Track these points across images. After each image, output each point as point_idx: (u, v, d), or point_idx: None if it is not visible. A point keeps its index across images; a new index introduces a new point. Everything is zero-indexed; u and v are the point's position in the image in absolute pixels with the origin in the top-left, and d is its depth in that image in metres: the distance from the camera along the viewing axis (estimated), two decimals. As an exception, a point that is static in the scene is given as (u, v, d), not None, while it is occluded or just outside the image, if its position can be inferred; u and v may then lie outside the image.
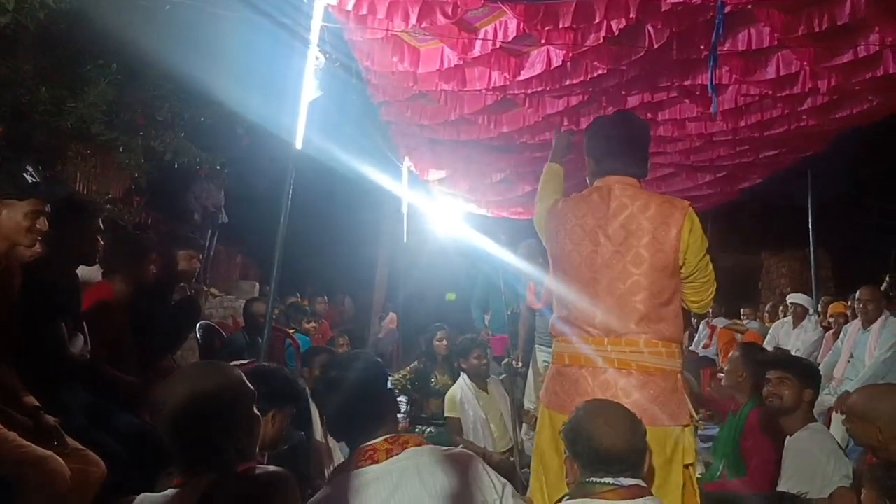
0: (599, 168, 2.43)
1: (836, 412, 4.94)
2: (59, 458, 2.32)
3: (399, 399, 6.38)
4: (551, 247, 2.38)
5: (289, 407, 2.71)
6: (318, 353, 5.05)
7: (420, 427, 5.50)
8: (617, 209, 2.30)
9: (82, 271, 3.41)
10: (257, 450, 2.59)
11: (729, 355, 4.55)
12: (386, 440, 1.96)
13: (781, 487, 2.99)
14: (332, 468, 3.99)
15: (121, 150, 6.38)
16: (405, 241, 8.85)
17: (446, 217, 9.30)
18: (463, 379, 5.18)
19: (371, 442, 1.96)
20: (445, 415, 5.18)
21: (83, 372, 3.10)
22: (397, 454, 1.91)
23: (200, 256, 4.54)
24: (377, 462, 1.91)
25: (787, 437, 3.24)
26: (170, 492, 1.69)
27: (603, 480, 1.88)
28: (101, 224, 3.27)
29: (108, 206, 6.31)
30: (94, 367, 3.21)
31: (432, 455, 1.93)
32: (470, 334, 5.80)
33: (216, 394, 1.71)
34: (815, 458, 3.05)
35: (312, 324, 7.09)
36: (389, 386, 2.38)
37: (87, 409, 2.96)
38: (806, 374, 3.31)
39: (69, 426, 2.60)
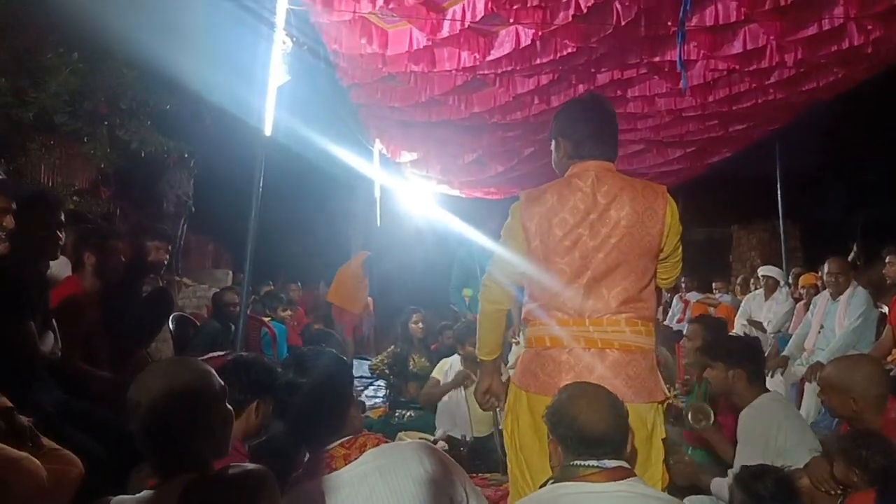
0: (577, 151, 2.42)
1: (809, 382, 5.04)
2: (34, 458, 2.28)
3: (378, 383, 6.39)
4: (538, 235, 2.35)
5: (270, 396, 2.70)
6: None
7: (400, 411, 5.50)
8: (605, 195, 2.32)
9: (51, 267, 3.34)
10: (240, 440, 2.60)
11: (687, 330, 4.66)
12: (342, 445, 1.89)
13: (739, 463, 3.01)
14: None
15: (85, 140, 6.25)
16: (378, 224, 8.82)
17: (420, 199, 9.27)
18: (458, 359, 5.19)
19: (326, 448, 1.89)
20: (432, 375, 5.20)
21: (55, 370, 3.05)
22: (356, 458, 1.85)
23: (169, 246, 4.48)
24: (335, 469, 1.84)
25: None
26: (146, 493, 1.64)
27: (587, 463, 1.87)
28: (62, 217, 3.18)
29: (75, 198, 6.19)
30: (66, 364, 3.16)
31: (394, 455, 1.87)
32: (465, 319, 5.76)
33: (191, 391, 1.67)
34: (761, 431, 3.06)
35: (288, 311, 7.05)
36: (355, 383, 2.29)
37: (61, 408, 2.91)
38: (728, 355, 3.31)
39: (44, 426, 2.55)
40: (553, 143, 2.52)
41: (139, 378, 1.70)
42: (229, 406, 1.82)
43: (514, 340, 5.13)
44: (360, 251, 12.15)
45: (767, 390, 3.34)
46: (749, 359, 3.32)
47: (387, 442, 1.94)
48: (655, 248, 2.35)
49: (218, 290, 7.14)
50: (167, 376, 1.69)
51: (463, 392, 5.03)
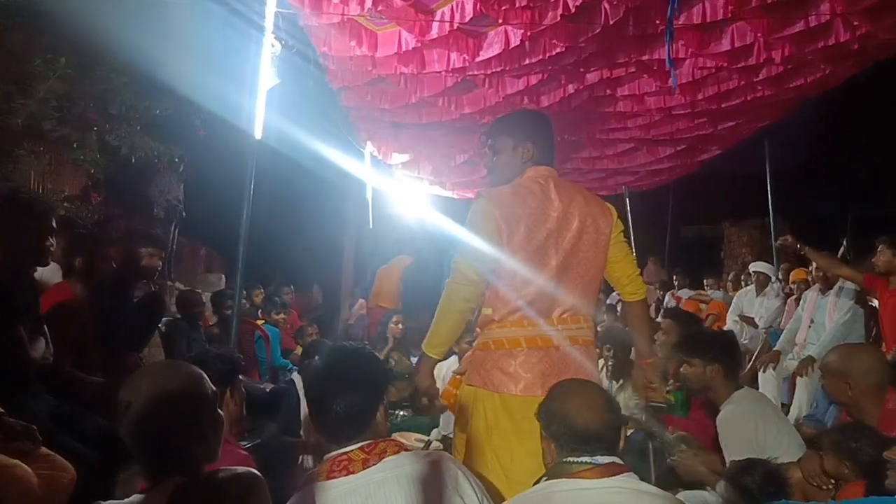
0: (540, 157, 2.57)
1: (800, 376, 5.06)
2: (25, 465, 2.27)
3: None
4: (513, 235, 2.41)
5: (237, 379, 2.80)
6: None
7: (391, 412, 5.49)
8: (565, 198, 2.49)
9: (42, 273, 3.33)
10: (235, 437, 2.62)
11: (662, 324, 4.67)
12: (361, 449, 1.83)
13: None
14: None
15: (74, 146, 6.21)
16: (371, 226, 8.82)
17: (411, 201, 9.28)
18: (455, 359, 5.18)
19: (345, 450, 1.84)
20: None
21: (47, 376, 3.03)
22: (374, 465, 1.80)
23: (162, 252, 4.47)
24: (352, 473, 1.79)
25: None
26: (135, 497, 1.63)
27: (580, 460, 1.87)
28: (52, 223, 3.15)
29: (66, 205, 6.15)
30: (57, 370, 3.15)
31: (412, 465, 1.82)
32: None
33: (182, 394, 1.66)
34: (742, 431, 3.05)
35: (282, 315, 7.07)
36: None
37: (52, 414, 2.90)
38: (705, 350, 3.30)
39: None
40: (508, 144, 2.60)
41: (130, 380, 1.68)
42: (220, 411, 1.81)
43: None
44: (352, 253, 12.18)
45: (740, 386, 3.34)
46: (725, 354, 3.32)
47: (407, 450, 1.89)
48: (607, 246, 2.57)
49: (211, 293, 7.15)
50: (159, 379, 1.68)
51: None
